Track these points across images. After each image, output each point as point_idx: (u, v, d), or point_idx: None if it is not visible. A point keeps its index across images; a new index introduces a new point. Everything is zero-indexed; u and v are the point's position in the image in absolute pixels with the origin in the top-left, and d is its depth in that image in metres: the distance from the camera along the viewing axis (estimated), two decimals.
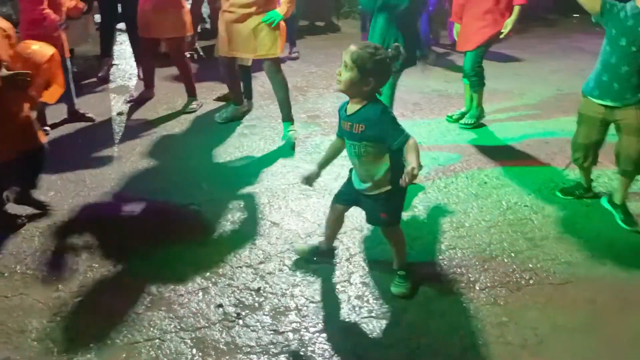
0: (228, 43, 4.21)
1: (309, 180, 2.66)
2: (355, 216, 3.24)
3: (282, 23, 4.16)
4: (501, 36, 4.34)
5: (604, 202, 3.41)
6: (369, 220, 2.73)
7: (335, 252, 2.95)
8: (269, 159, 4.07)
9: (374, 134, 2.38)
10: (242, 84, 4.83)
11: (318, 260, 2.88)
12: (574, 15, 8.69)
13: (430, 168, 3.92)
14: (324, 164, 2.68)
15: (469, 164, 4.01)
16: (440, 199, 3.52)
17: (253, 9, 4.04)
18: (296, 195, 3.53)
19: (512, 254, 2.96)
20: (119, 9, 5.56)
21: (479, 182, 3.73)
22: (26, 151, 3.09)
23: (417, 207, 3.42)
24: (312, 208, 3.38)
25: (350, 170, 2.67)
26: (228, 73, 4.56)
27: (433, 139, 4.46)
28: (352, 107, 2.44)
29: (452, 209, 3.41)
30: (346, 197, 2.73)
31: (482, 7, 4.30)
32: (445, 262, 2.89)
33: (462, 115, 4.74)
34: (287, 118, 4.38)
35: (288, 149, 4.18)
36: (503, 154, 4.18)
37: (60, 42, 4.12)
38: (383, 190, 2.50)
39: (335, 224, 2.86)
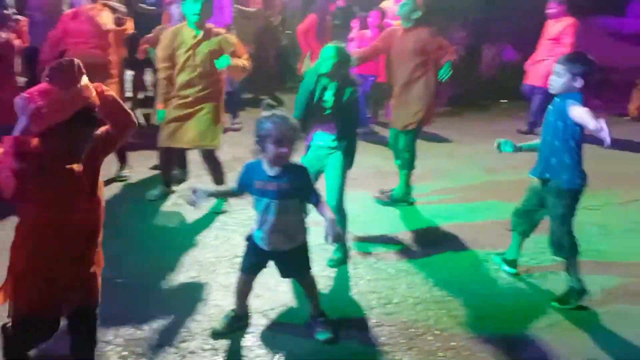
0: (171, 133, 4.24)
1: (190, 199, 2.72)
2: (285, 292, 3.23)
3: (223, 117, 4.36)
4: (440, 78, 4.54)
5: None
6: (286, 275, 2.91)
7: (249, 314, 2.98)
8: (201, 231, 4.02)
9: (297, 192, 2.68)
10: (176, 154, 4.83)
11: (237, 326, 2.88)
12: (502, 100, 9.29)
13: (362, 244, 3.97)
14: (215, 194, 3.09)
15: (399, 240, 4.10)
16: (370, 274, 3.56)
17: (197, 89, 4.11)
18: (226, 269, 3.48)
19: (437, 332, 2.99)
20: None
21: (408, 258, 3.81)
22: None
23: (347, 283, 3.43)
24: None
25: (249, 239, 2.80)
26: (164, 158, 4.55)
27: (367, 214, 4.54)
28: (274, 169, 2.65)
29: (381, 284, 3.44)
30: (256, 266, 2.85)
31: (414, 91, 4.55)
32: (372, 340, 2.89)
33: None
34: None
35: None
36: (433, 232, 4.31)
37: None
38: (299, 243, 2.74)
39: (246, 293, 2.92)
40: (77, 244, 2.19)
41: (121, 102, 2.26)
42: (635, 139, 7.28)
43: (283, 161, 2.64)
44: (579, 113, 3.04)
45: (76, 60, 2.05)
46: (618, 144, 6.85)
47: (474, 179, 5.58)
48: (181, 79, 4.15)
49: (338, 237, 2.65)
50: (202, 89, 4.15)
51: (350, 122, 3.58)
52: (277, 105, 3.06)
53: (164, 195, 4.59)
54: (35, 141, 2.04)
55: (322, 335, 2.84)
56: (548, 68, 6.87)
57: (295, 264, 2.83)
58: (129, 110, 2.28)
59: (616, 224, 4.54)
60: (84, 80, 2.05)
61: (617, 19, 10.78)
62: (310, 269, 2.90)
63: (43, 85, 2.01)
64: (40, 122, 1.97)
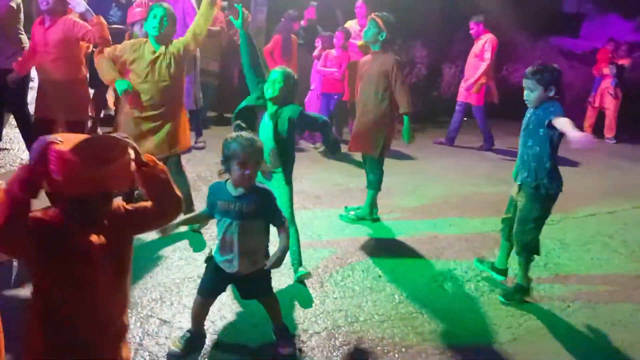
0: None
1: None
2: (250, 314, 3.19)
3: (185, 119, 4.31)
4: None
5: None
6: (248, 297, 2.90)
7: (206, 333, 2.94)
8: (164, 251, 3.95)
9: (260, 214, 2.70)
10: None
11: (196, 345, 2.84)
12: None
13: (328, 261, 3.98)
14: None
15: (365, 257, 4.12)
16: (337, 292, 3.56)
17: (158, 105, 4.06)
18: (191, 290, 3.42)
19: (403, 350, 3.01)
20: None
21: (373, 275, 3.83)
22: None
23: (314, 301, 3.42)
24: None
25: (210, 260, 2.80)
26: None
27: (332, 232, 4.56)
28: (238, 189, 2.68)
29: (348, 302, 3.45)
30: (216, 290, 2.84)
31: (377, 116, 4.58)
32: None
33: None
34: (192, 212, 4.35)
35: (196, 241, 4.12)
36: (397, 248, 4.35)
37: None
38: (261, 265, 2.73)
39: (204, 316, 2.89)
40: (94, 341, 1.84)
41: (172, 182, 1.96)
42: (590, 156, 7.55)
43: (247, 183, 2.64)
44: (562, 123, 3.18)
45: (124, 141, 1.79)
46: (573, 162, 7.12)
47: (436, 195, 5.68)
48: (142, 95, 4.07)
49: (277, 264, 2.70)
50: (162, 105, 4.08)
51: (290, 139, 3.59)
52: (247, 127, 3.04)
53: None
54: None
55: (284, 350, 2.84)
56: (469, 84, 7.46)
57: (256, 285, 2.83)
58: (179, 194, 1.96)
59: (573, 238, 4.68)
60: (124, 161, 1.77)
61: (571, 40, 11.23)
62: (272, 289, 2.90)
63: (68, 149, 1.67)
64: (50, 185, 1.71)
